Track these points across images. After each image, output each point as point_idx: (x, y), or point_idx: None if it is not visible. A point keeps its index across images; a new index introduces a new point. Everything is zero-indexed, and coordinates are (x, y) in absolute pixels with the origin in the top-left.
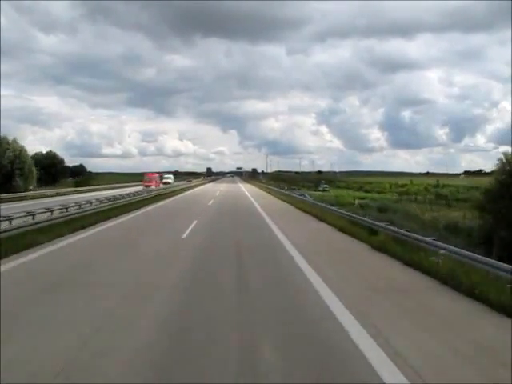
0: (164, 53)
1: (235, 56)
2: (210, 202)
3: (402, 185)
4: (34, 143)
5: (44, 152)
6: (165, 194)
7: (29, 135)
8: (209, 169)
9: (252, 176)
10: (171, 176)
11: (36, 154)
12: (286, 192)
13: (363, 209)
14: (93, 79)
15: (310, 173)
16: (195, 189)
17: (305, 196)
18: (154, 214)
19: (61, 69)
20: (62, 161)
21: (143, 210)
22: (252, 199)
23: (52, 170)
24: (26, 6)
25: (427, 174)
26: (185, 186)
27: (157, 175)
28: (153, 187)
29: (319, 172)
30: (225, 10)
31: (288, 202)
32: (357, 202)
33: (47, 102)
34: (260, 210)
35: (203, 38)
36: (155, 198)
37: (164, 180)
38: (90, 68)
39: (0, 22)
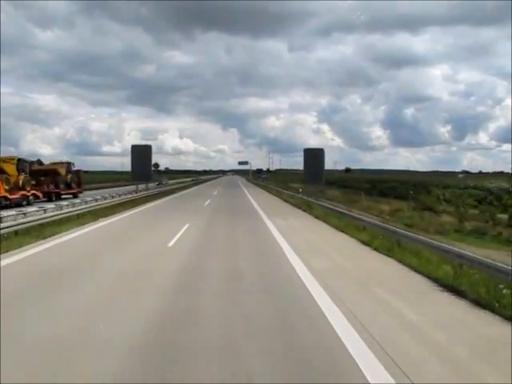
0: (164, 48)
1: (236, 52)
2: None
3: None
4: (34, 142)
5: None
6: None
7: (28, 134)
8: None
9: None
10: None
11: None
12: None
13: None
14: (92, 76)
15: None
16: None
17: None
18: None
19: (59, 66)
20: None
21: None
22: None
23: None
24: (22, 1)
25: (455, 173)
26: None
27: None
28: None
29: (347, 170)
30: (225, 3)
31: None
32: None
33: (46, 99)
34: None
35: (203, 33)
36: None
37: None
38: (89, 65)
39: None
